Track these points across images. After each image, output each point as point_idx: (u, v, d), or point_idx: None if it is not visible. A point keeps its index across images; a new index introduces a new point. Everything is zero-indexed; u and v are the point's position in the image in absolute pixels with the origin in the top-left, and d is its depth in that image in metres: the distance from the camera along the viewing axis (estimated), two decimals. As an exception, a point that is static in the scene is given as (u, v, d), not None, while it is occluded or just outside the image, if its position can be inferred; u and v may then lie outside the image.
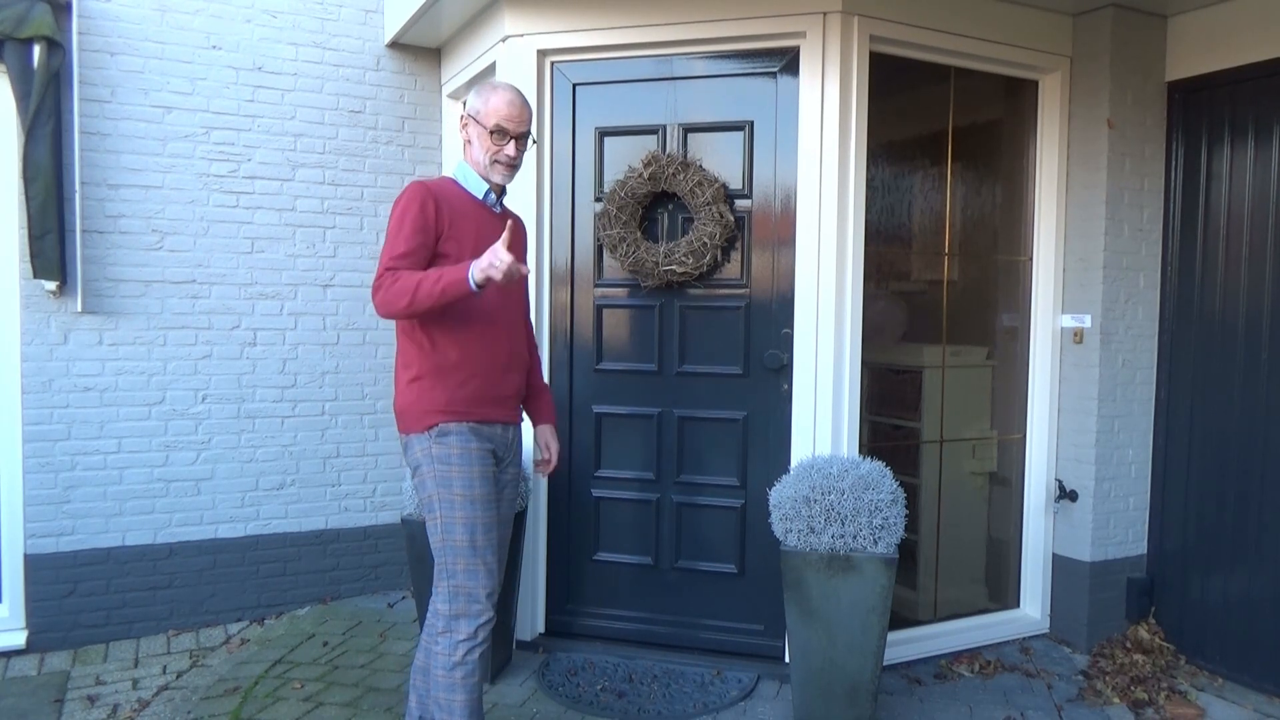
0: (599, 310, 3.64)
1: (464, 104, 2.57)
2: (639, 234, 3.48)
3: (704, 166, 3.46)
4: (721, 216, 3.37)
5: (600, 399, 3.65)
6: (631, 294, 3.59)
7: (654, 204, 3.54)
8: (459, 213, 2.43)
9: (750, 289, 3.48)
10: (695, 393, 3.55)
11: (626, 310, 3.62)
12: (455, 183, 2.51)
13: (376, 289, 2.30)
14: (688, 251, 3.37)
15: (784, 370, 3.42)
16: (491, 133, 2.48)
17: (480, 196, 2.52)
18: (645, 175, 3.41)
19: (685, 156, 3.47)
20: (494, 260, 2.18)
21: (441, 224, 2.38)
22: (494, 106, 2.48)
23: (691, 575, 3.61)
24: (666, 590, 3.64)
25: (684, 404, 3.57)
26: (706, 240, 3.37)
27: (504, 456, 2.57)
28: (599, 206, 3.56)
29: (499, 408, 2.52)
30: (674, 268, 3.40)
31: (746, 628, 3.54)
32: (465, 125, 2.52)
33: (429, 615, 2.61)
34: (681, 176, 3.38)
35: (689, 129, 3.51)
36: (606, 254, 3.58)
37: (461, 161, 2.56)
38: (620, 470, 3.66)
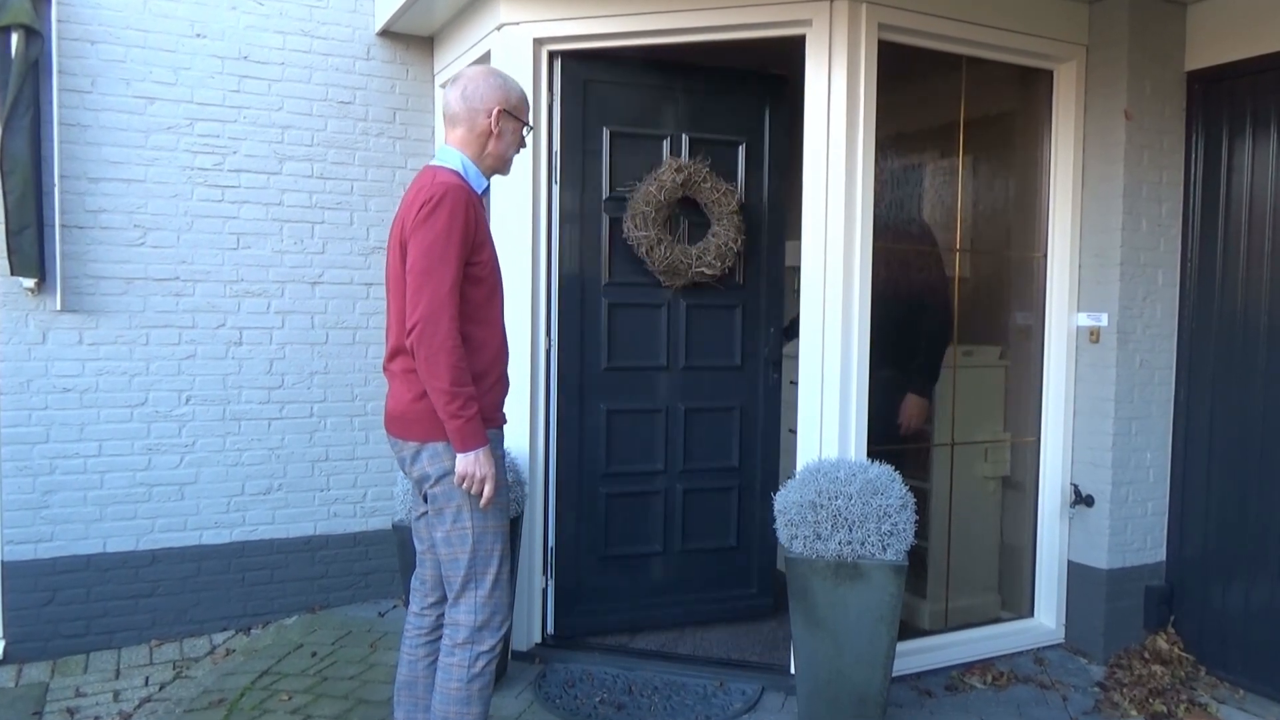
0: (610, 309, 3.66)
1: (465, 94, 2.41)
2: (670, 236, 3.62)
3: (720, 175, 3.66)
4: (741, 224, 3.65)
5: (608, 396, 3.67)
6: (640, 293, 3.68)
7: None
8: (481, 216, 2.35)
9: (746, 288, 3.74)
10: (699, 386, 3.76)
11: (635, 309, 3.69)
12: (462, 178, 2.36)
13: (437, 341, 2.17)
14: (716, 255, 3.62)
15: (775, 363, 3.80)
16: (524, 126, 2.47)
17: (480, 192, 2.42)
18: (678, 181, 3.57)
19: (709, 164, 3.66)
20: (485, 486, 2.27)
21: (478, 236, 2.30)
22: (525, 100, 2.48)
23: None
24: (670, 605, 3.70)
25: (693, 397, 3.77)
26: (729, 244, 3.63)
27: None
28: (609, 205, 3.63)
29: (503, 409, 2.49)
30: (704, 270, 3.64)
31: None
32: (496, 119, 2.38)
33: (413, 625, 2.55)
34: (708, 185, 3.62)
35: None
36: (633, 254, 3.63)
37: (456, 151, 2.40)
38: (629, 466, 3.72)
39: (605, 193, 3.64)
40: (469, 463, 2.24)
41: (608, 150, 3.64)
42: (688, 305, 3.71)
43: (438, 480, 2.32)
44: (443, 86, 4.19)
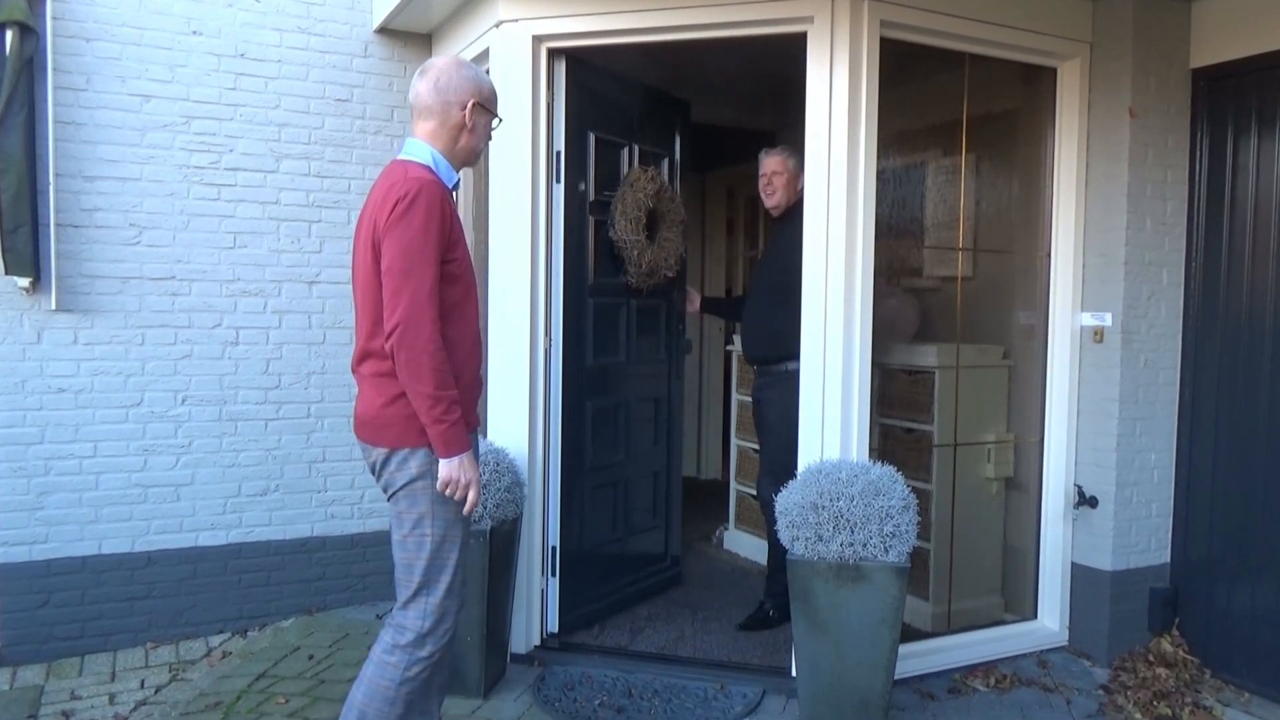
0: (594, 309, 3.73)
1: (438, 85, 2.32)
2: (650, 241, 3.84)
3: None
4: (684, 231, 4.07)
5: (592, 393, 3.75)
6: (615, 292, 3.84)
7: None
8: (456, 213, 2.29)
9: (668, 288, 4.12)
10: (642, 379, 4.09)
11: (610, 308, 3.84)
12: (433, 172, 2.28)
13: (419, 344, 2.10)
14: (675, 259, 3.98)
15: (684, 354, 4.31)
16: (494, 119, 2.42)
17: (451, 185, 2.34)
18: (653, 190, 3.81)
19: (669, 183, 4.01)
20: (469, 491, 2.21)
21: (452, 233, 2.23)
22: (495, 92, 2.41)
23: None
24: (627, 586, 3.92)
25: (638, 388, 4.07)
26: (679, 249, 4.02)
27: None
28: (594, 207, 3.71)
29: (475, 410, 2.43)
30: (667, 272, 3.95)
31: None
32: (470, 112, 2.32)
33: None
34: (667, 195, 3.93)
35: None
36: (613, 255, 3.77)
37: (425, 145, 2.31)
38: (605, 459, 3.83)
39: (591, 195, 3.69)
40: (453, 468, 2.18)
41: (593, 153, 3.69)
42: (637, 305, 3.96)
43: (405, 486, 2.26)
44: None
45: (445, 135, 2.33)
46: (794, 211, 3.74)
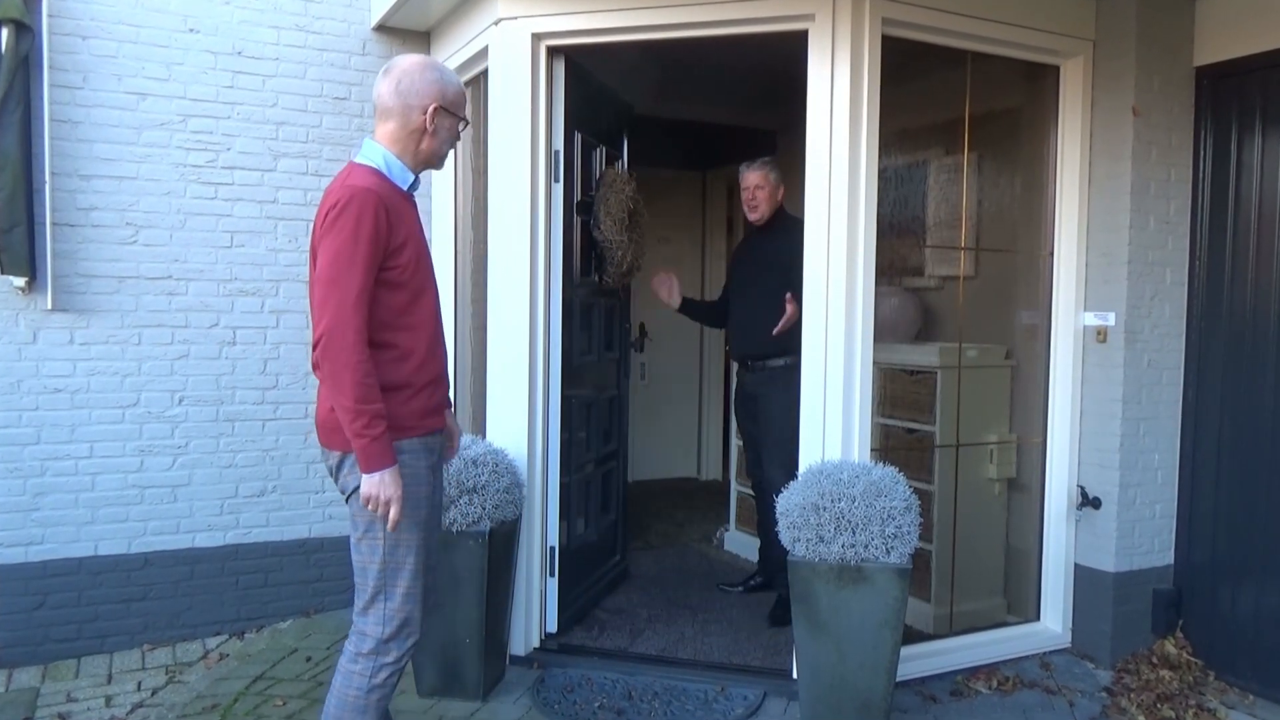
0: (579, 308, 3.77)
1: (400, 88, 2.23)
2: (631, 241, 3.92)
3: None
4: (644, 231, 4.12)
5: (577, 392, 3.77)
6: (592, 291, 3.90)
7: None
8: (400, 217, 2.20)
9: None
10: (602, 376, 4.14)
11: (589, 307, 3.91)
12: (383, 177, 2.23)
13: (343, 357, 2.04)
14: (641, 258, 4.06)
15: (640, 349, 4.46)
16: (460, 122, 2.34)
17: (406, 189, 2.28)
18: (630, 191, 3.88)
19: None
20: (390, 509, 2.13)
21: (394, 240, 2.16)
22: (463, 95, 2.33)
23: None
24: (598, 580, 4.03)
25: (604, 386, 4.15)
26: (643, 249, 4.07)
27: (437, 466, 2.42)
28: (581, 208, 3.76)
29: (439, 415, 2.37)
30: (638, 271, 4.10)
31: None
32: (432, 116, 2.24)
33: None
34: (638, 197, 3.98)
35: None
36: (595, 254, 3.84)
37: (379, 147, 2.25)
38: (584, 456, 3.86)
39: (578, 195, 3.70)
40: (373, 484, 2.10)
41: (580, 153, 3.70)
42: (605, 304, 4.04)
43: (357, 490, 2.20)
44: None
45: (405, 138, 2.25)
46: (776, 219, 3.81)
